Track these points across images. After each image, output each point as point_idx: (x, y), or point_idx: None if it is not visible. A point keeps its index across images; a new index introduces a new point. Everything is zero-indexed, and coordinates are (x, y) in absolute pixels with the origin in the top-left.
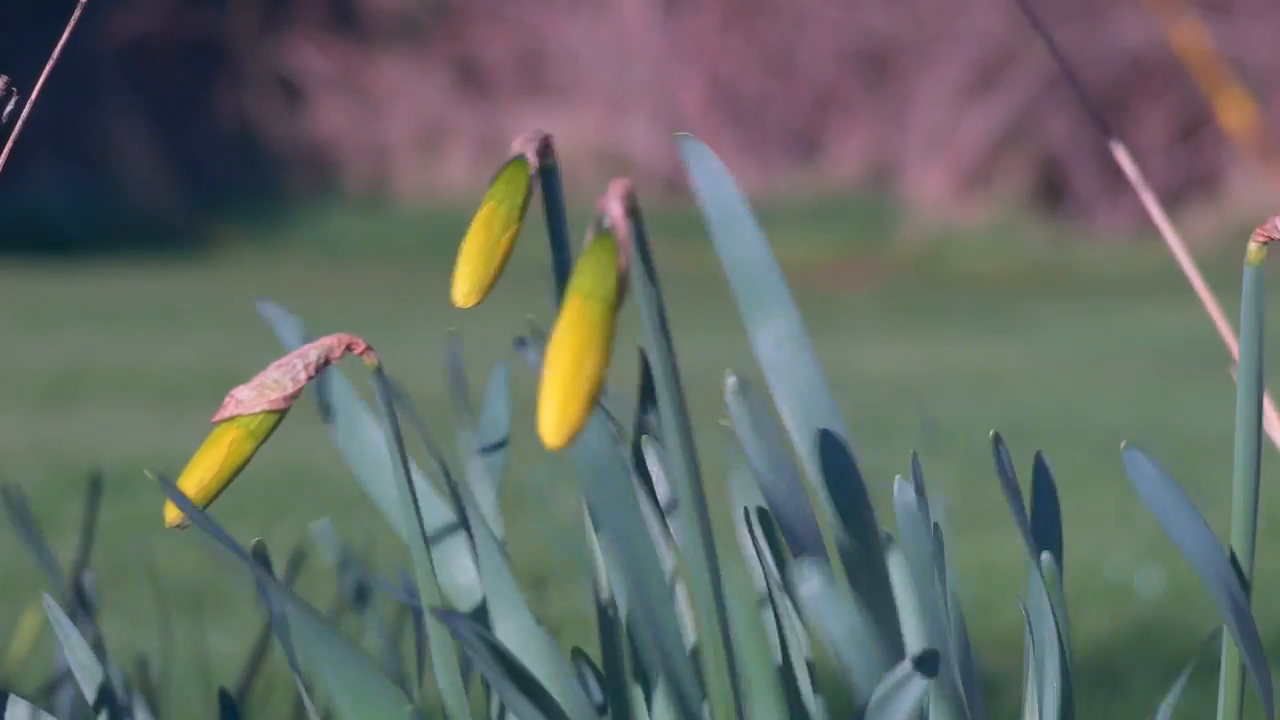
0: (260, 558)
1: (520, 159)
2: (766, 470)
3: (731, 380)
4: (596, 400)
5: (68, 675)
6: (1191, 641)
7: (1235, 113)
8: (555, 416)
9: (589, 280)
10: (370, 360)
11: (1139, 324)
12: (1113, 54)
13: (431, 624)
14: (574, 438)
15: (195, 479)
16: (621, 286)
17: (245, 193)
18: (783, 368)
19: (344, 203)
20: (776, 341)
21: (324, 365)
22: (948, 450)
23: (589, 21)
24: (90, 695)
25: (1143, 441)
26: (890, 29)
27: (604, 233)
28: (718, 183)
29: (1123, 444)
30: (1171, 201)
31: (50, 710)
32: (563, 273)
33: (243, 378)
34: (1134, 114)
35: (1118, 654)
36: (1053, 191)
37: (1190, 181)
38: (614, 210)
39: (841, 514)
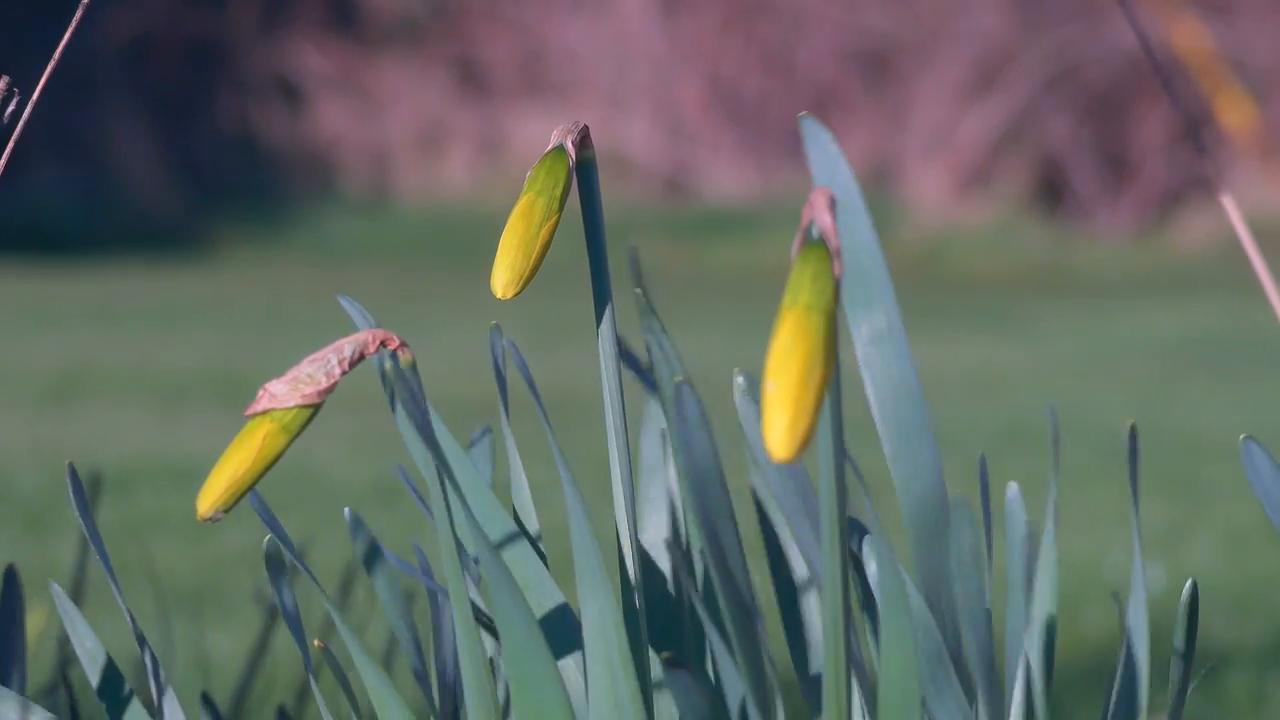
0: (273, 558)
1: (560, 150)
2: (772, 469)
3: (739, 379)
4: (821, 412)
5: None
6: None
7: (1235, 113)
8: (786, 430)
9: (808, 293)
10: (405, 357)
11: (1139, 324)
12: (1113, 54)
13: (457, 611)
14: (803, 450)
15: (228, 473)
16: (836, 295)
17: (245, 193)
18: (877, 364)
19: (344, 203)
20: (874, 337)
21: (358, 361)
22: (948, 450)
23: (589, 21)
24: (95, 681)
25: (1143, 441)
26: (890, 29)
27: (815, 243)
28: (833, 168)
29: (1241, 437)
30: (1171, 201)
31: (54, 707)
32: (599, 266)
33: (242, 378)
34: (1134, 114)
35: (1117, 654)
36: (1053, 191)
37: (1190, 181)
38: (824, 220)
39: (917, 512)
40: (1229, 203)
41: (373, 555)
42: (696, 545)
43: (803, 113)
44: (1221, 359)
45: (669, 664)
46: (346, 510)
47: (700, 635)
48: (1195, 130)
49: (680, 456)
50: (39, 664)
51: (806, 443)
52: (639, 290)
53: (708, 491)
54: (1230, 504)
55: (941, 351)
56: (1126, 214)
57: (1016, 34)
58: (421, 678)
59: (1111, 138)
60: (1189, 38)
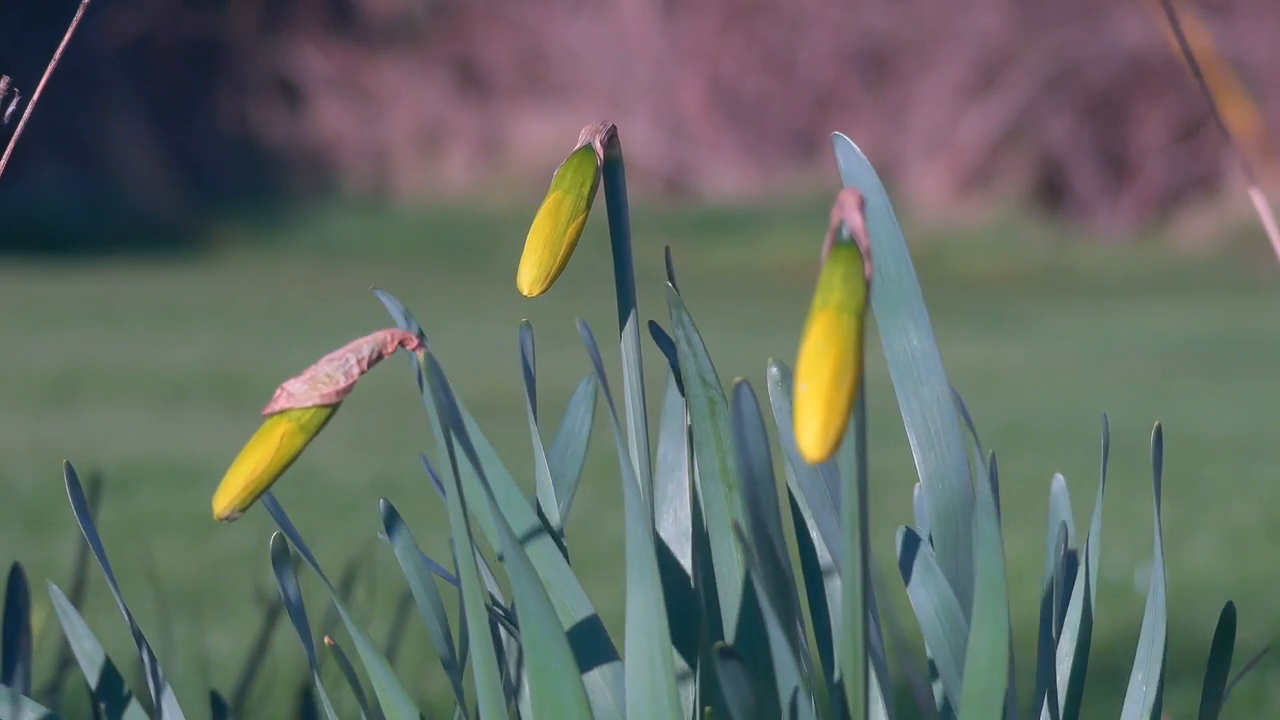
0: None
1: (588, 149)
2: (801, 461)
3: (773, 370)
4: (852, 412)
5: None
6: (1192, 641)
7: (1234, 113)
8: (819, 431)
9: (839, 293)
10: (423, 356)
11: (1139, 324)
12: (1113, 54)
13: (471, 610)
14: (835, 451)
15: (245, 472)
16: (867, 296)
17: (245, 193)
18: (906, 370)
19: (344, 203)
20: (905, 344)
21: (376, 360)
22: None
23: (589, 21)
24: (94, 681)
25: (1143, 441)
26: (890, 29)
27: (845, 244)
28: (862, 176)
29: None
30: (1171, 201)
31: (57, 705)
32: (623, 266)
33: (242, 378)
34: (1134, 114)
35: (1118, 654)
36: (1053, 191)
37: (1190, 181)
38: (854, 220)
39: (944, 509)
40: (1259, 198)
41: (400, 535)
42: (711, 541)
43: (836, 133)
44: (1221, 359)
45: (723, 654)
46: (381, 501)
47: (716, 628)
48: (1219, 121)
49: (736, 454)
50: (40, 663)
51: (839, 443)
52: (669, 284)
53: (759, 489)
54: (1230, 504)
55: (942, 351)
56: (1126, 214)
57: (1016, 34)
58: (450, 666)
59: (1111, 138)
60: (1189, 38)
